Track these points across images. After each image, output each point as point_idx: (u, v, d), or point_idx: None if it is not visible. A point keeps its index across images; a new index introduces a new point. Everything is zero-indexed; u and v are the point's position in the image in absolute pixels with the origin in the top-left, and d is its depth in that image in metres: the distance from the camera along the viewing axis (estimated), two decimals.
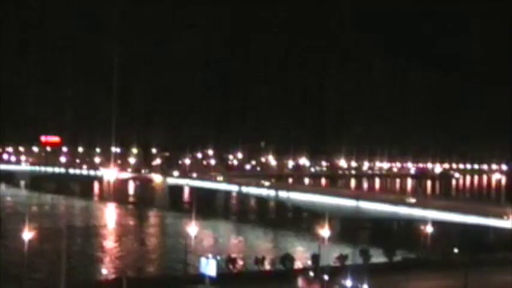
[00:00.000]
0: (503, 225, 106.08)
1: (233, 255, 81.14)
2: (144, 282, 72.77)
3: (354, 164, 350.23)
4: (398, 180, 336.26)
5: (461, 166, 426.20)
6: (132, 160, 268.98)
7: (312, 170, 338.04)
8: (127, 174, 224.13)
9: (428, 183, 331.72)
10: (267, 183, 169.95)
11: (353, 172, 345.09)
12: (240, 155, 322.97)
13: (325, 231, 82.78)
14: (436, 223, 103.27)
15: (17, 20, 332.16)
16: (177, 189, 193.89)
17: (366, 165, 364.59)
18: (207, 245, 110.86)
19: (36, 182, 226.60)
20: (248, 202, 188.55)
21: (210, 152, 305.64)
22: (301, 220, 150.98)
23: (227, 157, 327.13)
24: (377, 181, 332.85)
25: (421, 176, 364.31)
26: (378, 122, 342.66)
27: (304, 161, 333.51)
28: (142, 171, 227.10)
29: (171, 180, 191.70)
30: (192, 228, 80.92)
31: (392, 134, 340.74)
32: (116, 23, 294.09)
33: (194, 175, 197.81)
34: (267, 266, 78.76)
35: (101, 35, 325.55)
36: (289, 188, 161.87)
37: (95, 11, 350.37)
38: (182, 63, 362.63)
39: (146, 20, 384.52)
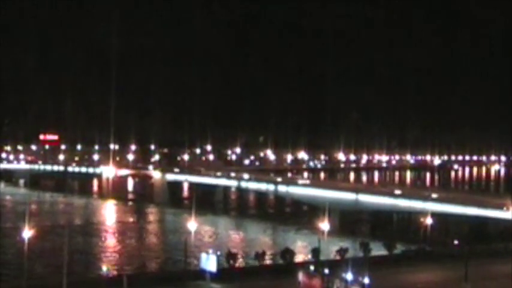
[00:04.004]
0: (503, 216, 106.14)
1: (233, 251, 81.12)
2: (145, 278, 72.70)
3: (352, 157, 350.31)
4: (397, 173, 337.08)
5: (460, 158, 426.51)
6: (130, 157, 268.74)
7: (311, 163, 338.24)
8: (126, 171, 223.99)
9: (428, 175, 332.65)
10: (279, 179, 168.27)
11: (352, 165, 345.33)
12: (238, 150, 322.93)
13: (325, 225, 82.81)
14: (435, 215, 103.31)
15: (15, 17, 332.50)
16: (176, 185, 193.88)
17: (364, 158, 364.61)
18: (207, 240, 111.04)
19: (35, 180, 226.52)
20: (247, 197, 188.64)
21: (209, 148, 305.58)
22: (300, 214, 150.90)
23: (225, 152, 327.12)
24: (376, 174, 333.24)
25: (420, 168, 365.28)
26: (376, 114, 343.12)
27: (302, 155, 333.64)
28: (140, 167, 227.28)
29: (170, 176, 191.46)
30: (192, 224, 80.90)
31: (391, 127, 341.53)
32: (114, 19, 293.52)
33: (202, 170, 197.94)
34: (268, 261, 78.76)
35: (99, 33, 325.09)
36: (288, 182, 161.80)
37: (93, 8, 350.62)
38: (180, 59, 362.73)
39: (144, 16, 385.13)
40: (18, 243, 74.49)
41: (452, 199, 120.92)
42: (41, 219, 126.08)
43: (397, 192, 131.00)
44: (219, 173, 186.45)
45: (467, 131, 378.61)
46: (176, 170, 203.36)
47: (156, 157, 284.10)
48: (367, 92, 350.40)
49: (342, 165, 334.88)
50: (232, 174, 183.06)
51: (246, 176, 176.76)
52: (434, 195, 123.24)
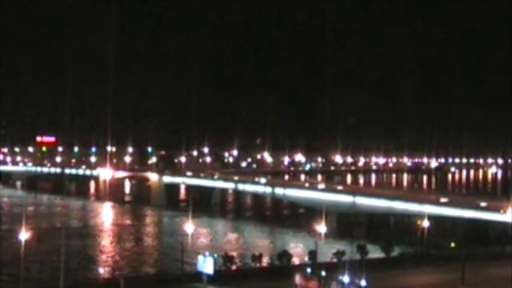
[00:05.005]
0: (500, 219, 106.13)
1: (230, 253, 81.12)
2: (142, 281, 72.66)
3: (349, 159, 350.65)
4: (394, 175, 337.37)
5: (457, 160, 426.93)
6: (127, 159, 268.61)
7: (308, 166, 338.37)
8: (123, 173, 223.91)
9: (425, 178, 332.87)
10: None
11: (347, 167, 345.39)
12: (235, 152, 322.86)
13: (322, 227, 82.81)
14: (432, 217, 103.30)
15: (13, 19, 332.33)
16: (173, 188, 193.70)
17: (361, 160, 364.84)
18: (204, 242, 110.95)
19: (32, 182, 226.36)
20: (244, 199, 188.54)
21: (206, 150, 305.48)
22: (297, 216, 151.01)
23: (222, 155, 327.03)
24: (373, 176, 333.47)
25: (417, 170, 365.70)
26: (372, 117, 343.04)
27: (300, 157, 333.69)
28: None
29: (167, 179, 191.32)
30: (189, 226, 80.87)
31: (387, 129, 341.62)
32: (112, 21, 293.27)
33: (202, 174, 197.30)
34: (264, 263, 78.70)
35: (97, 35, 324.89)
36: (285, 185, 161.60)
37: (91, 10, 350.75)
38: (177, 62, 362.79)
39: (141, 18, 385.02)
40: (15, 246, 74.40)
41: (449, 202, 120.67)
42: (38, 222, 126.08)
43: (443, 200, 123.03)
44: (236, 177, 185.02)
45: (464, 134, 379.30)
46: (189, 173, 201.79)
47: (153, 159, 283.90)
48: (364, 94, 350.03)
49: (339, 168, 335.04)
50: (256, 179, 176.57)
51: (263, 180, 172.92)
52: (431, 198, 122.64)
